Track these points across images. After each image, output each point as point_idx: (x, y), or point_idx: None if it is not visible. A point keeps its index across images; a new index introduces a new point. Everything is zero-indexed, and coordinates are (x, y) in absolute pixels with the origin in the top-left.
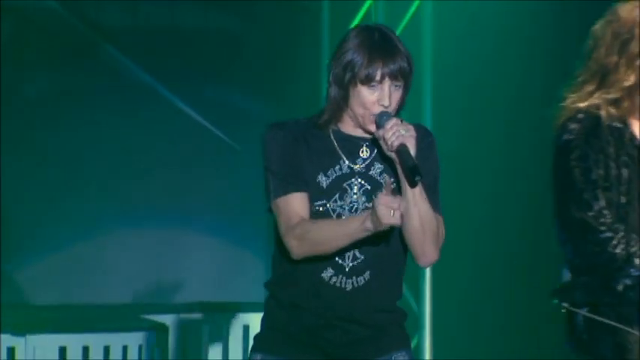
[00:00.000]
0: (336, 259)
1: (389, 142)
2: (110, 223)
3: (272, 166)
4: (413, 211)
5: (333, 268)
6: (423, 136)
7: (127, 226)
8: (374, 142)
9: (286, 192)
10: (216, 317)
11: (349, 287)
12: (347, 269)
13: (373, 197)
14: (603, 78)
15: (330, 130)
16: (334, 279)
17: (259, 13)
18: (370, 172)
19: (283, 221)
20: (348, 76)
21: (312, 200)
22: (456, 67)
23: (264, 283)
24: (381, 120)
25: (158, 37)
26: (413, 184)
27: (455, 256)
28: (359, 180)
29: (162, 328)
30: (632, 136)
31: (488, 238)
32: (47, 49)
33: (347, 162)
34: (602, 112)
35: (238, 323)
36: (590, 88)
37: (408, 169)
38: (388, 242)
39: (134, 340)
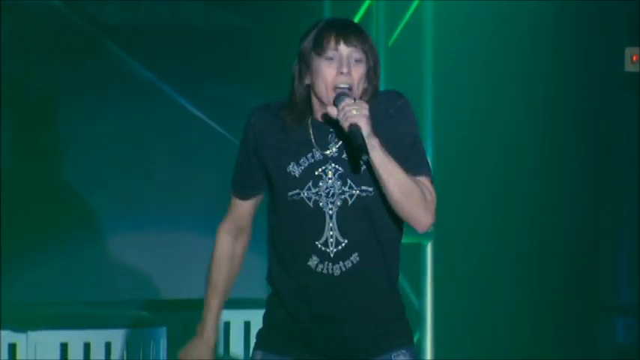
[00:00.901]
0: (319, 246)
1: (341, 123)
2: (111, 219)
3: (239, 157)
4: (390, 183)
5: (317, 256)
6: (393, 100)
7: (128, 223)
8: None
9: (236, 194)
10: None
11: (337, 272)
12: (332, 255)
13: (349, 181)
14: None
15: (308, 119)
16: (320, 266)
17: (261, 12)
18: (343, 156)
19: (227, 221)
20: (309, 53)
21: (286, 190)
22: (457, 66)
23: (266, 278)
24: (338, 101)
25: (160, 35)
26: (359, 163)
27: (457, 251)
28: (333, 165)
29: (164, 325)
30: None
31: (492, 234)
32: (48, 47)
33: (319, 149)
34: None
35: (239, 319)
36: None
37: (355, 150)
38: (372, 220)
39: (135, 336)
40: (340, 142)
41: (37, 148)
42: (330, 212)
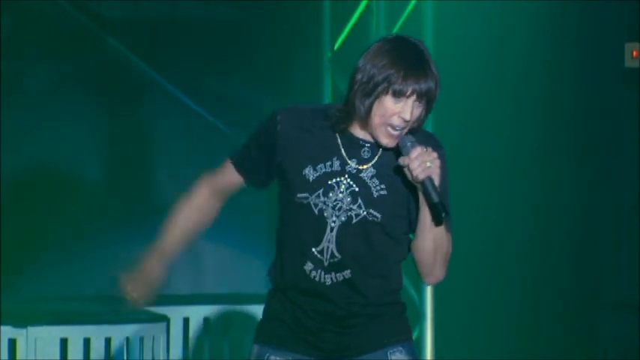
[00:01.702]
0: (316, 253)
1: (413, 174)
2: (111, 215)
3: (253, 139)
4: (427, 235)
5: (312, 262)
6: (433, 149)
7: (129, 218)
8: (376, 146)
9: (235, 163)
10: (218, 309)
11: (328, 282)
12: (325, 264)
13: (359, 200)
14: None
15: (340, 130)
16: (314, 273)
17: (261, 7)
18: (361, 175)
19: (211, 175)
20: (380, 87)
21: (296, 191)
22: (456, 65)
23: (267, 271)
24: (404, 147)
25: (160, 30)
26: (438, 222)
27: (458, 246)
28: (348, 180)
29: (164, 320)
30: None
31: (493, 230)
32: (48, 41)
33: (340, 160)
34: None
35: (240, 314)
36: None
37: (433, 207)
38: (372, 244)
39: (136, 331)
40: (365, 162)
41: (38, 144)
42: (332, 225)
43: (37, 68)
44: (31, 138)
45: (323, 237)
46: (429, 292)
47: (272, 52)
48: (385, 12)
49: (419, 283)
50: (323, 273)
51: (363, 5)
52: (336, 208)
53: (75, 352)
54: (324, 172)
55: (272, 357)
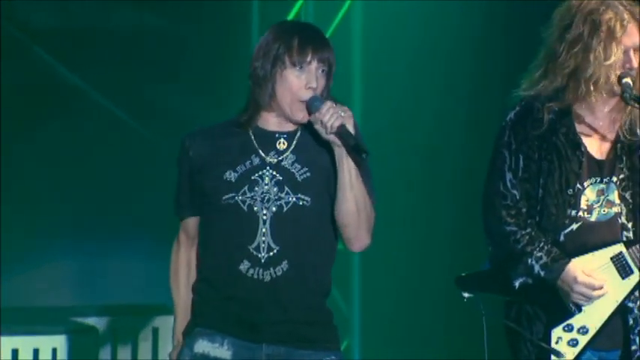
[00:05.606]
0: (251, 250)
1: (328, 124)
2: (40, 225)
3: (178, 183)
4: (349, 195)
5: (249, 261)
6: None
7: (58, 229)
8: (292, 134)
9: (183, 217)
10: (147, 319)
11: (267, 278)
12: (262, 261)
13: (286, 188)
14: (549, 64)
15: (251, 128)
16: (251, 271)
17: (191, 13)
18: (282, 163)
19: (180, 235)
20: (277, 63)
21: (221, 195)
22: (386, 67)
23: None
24: (314, 105)
25: (89, 39)
26: (360, 159)
27: (385, 254)
28: (270, 171)
29: (92, 331)
30: (569, 129)
31: (419, 236)
32: None
33: (258, 156)
34: (537, 103)
35: (168, 325)
36: (538, 74)
37: (352, 149)
38: (306, 230)
39: (63, 342)
40: (283, 151)
41: None
42: (265, 217)
43: None
44: None
45: (257, 232)
46: (357, 302)
47: (202, 59)
48: (315, 14)
49: (347, 294)
50: (261, 270)
51: (293, 12)
52: (265, 200)
53: None
54: (245, 170)
55: (203, 340)
